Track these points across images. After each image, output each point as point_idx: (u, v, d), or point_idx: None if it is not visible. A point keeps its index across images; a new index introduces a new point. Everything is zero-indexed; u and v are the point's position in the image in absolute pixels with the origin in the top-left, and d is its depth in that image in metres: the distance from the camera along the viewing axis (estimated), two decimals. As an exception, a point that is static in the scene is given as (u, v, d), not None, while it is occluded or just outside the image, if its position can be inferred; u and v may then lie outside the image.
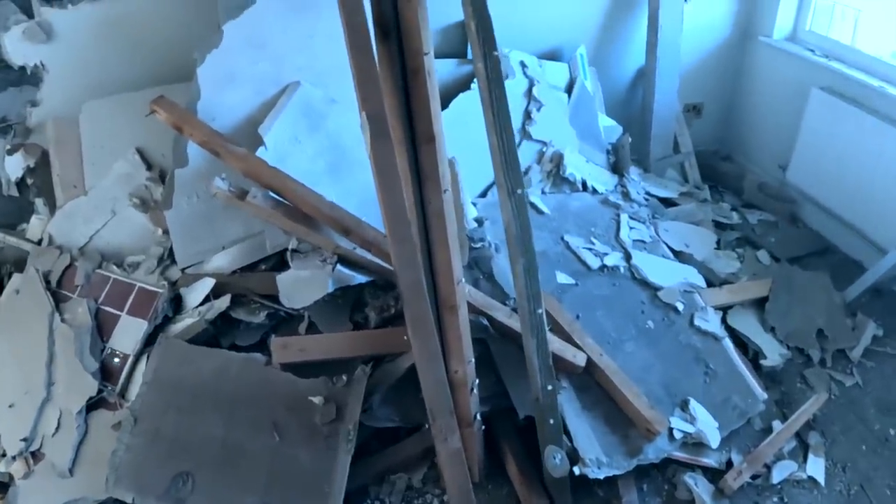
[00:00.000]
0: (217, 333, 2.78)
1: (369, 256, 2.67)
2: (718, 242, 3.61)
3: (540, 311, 2.30)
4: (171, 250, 2.96)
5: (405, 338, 2.38)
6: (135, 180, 3.08)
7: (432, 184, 2.26)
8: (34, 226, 3.16)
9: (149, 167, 3.10)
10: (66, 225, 3.05)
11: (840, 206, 3.78)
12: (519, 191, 2.20)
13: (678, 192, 3.84)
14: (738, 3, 4.21)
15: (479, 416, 2.47)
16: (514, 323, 2.61)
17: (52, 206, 3.13)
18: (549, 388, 2.37)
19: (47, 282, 2.94)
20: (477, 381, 2.42)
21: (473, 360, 2.39)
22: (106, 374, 2.71)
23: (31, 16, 2.93)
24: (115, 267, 2.97)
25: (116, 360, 2.72)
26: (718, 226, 3.79)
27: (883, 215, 3.51)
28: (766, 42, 4.18)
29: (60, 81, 3.07)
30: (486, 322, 2.62)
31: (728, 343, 2.99)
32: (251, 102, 2.94)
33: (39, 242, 3.11)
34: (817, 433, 2.86)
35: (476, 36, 2.18)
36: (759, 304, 3.31)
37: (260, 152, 2.80)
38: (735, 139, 4.54)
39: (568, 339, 2.69)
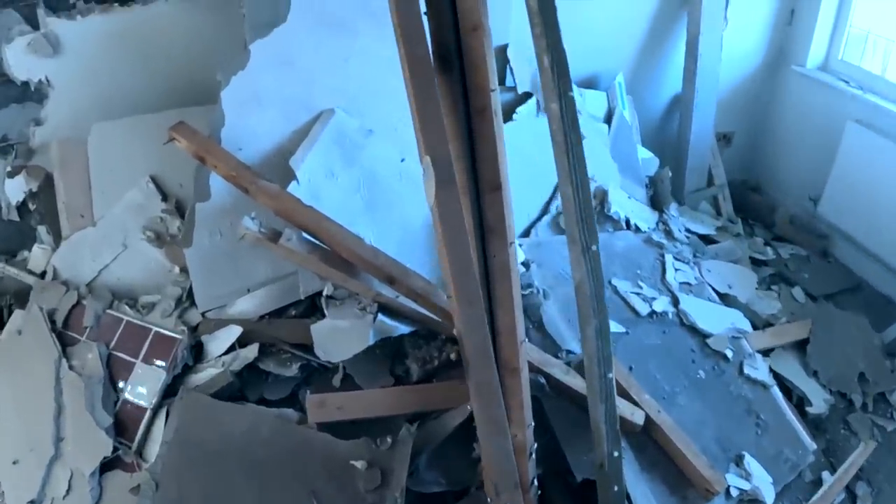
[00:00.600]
0: (243, 386, 2.55)
1: (413, 304, 2.46)
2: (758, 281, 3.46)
3: (610, 375, 2.11)
4: (189, 291, 2.72)
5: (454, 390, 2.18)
6: (148, 211, 2.84)
7: (497, 237, 2.07)
8: (37, 256, 2.92)
9: (164, 197, 2.87)
10: (73, 257, 2.82)
11: (872, 242, 3.67)
12: (594, 247, 2.01)
13: (714, 228, 3.70)
14: (773, 30, 4.09)
15: (535, 481, 2.28)
16: (571, 380, 2.43)
17: (57, 235, 2.89)
18: (616, 454, 2.18)
19: (52, 321, 2.69)
20: (535, 445, 2.23)
21: (533, 423, 2.20)
22: (120, 428, 2.48)
23: (36, 27, 2.68)
24: (127, 308, 2.74)
25: (131, 412, 2.48)
26: (753, 262, 3.65)
27: None
28: (799, 71, 4.06)
29: (67, 99, 2.83)
30: (542, 380, 2.43)
31: (777, 391, 2.88)
32: (281, 130, 2.72)
33: (42, 275, 2.86)
34: (864, 483, 2.77)
35: (550, 73, 1.97)
36: (800, 345, 3.20)
37: (291, 187, 2.58)
38: (765, 169, 4.41)
39: (623, 393, 2.52)
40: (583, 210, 2.00)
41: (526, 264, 2.84)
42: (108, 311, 2.72)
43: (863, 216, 3.69)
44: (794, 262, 3.79)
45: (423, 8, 2.12)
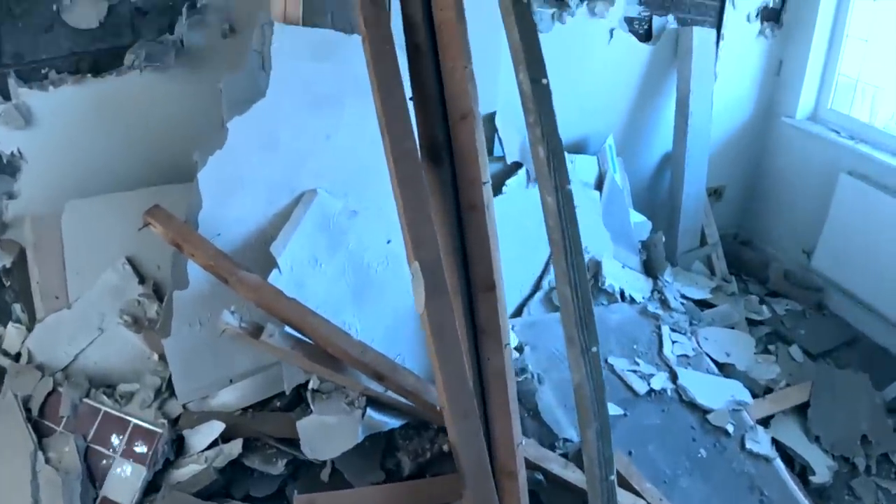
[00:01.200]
0: (228, 483, 2.43)
1: (403, 399, 2.36)
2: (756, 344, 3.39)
3: (612, 477, 2.02)
4: (169, 380, 2.60)
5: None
6: (125, 294, 2.71)
7: (491, 338, 1.98)
8: (11, 335, 2.78)
9: (142, 280, 2.74)
10: (48, 341, 2.69)
11: (868, 294, 3.61)
12: (594, 348, 1.92)
13: (709, 289, 3.63)
14: (761, 81, 4.06)
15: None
16: (570, 475, 2.34)
17: (31, 314, 2.75)
18: (618, 554, 2.09)
19: (27, 409, 2.57)
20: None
21: (531, 524, 2.10)
22: (98, 529, 2.35)
23: (7, 97, 2.55)
24: (105, 397, 2.62)
25: (111, 511, 2.37)
26: (750, 322, 3.58)
27: None
28: (789, 122, 4.03)
29: (40, 173, 2.69)
30: (540, 476, 2.34)
31: (779, 464, 2.80)
32: (262, 213, 2.60)
33: (17, 357, 2.73)
34: (869, 549, 2.65)
35: (546, 165, 1.89)
36: (801, 409, 3.13)
37: (273, 276, 2.47)
38: (757, 223, 4.36)
39: (624, 483, 2.43)
40: (582, 311, 1.91)
41: (519, 348, 2.76)
42: (86, 399, 2.60)
43: (857, 268, 3.64)
44: (790, 318, 3.72)
45: (408, 93, 2.07)
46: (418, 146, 1.99)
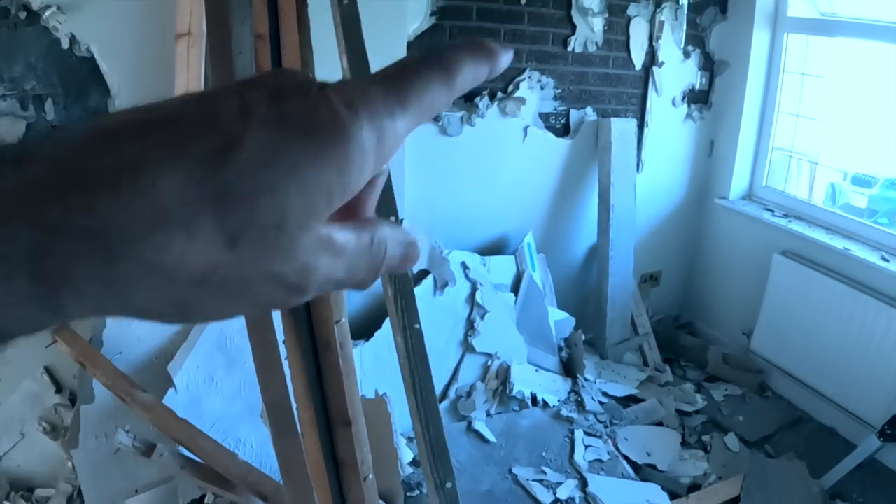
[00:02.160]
0: None
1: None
2: (683, 437, 3.32)
3: None
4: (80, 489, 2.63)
5: None
6: (44, 402, 2.77)
7: (350, 471, 1.97)
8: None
9: (59, 389, 2.79)
10: (-27, 442, 2.73)
11: (809, 374, 3.57)
12: (449, 484, 1.91)
13: (638, 382, 3.57)
14: (693, 164, 4.08)
15: None
16: None
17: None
18: None
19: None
20: None
21: None
22: None
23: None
24: (23, 501, 2.66)
25: None
26: (682, 413, 3.51)
27: (854, 383, 3.33)
28: (723, 204, 4.03)
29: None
30: None
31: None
32: (162, 333, 2.64)
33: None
34: None
35: (394, 303, 1.91)
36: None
37: (169, 395, 2.50)
38: (696, 305, 4.34)
39: None
40: (434, 448, 1.92)
41: (417, 461, 2.73)
42: (5, 502, 2.64)
43: (797, 348, 3.60)
44: (728, 404, 3.66)
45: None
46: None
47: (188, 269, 0.27)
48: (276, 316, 2.01)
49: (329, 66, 2.10)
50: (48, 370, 2.80)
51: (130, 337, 2.60)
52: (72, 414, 2.74)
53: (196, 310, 0.29)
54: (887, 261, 3.28)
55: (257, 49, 2.24)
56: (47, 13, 2.33)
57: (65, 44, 2.41)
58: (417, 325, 1.88)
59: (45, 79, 2.44)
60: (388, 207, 1.92)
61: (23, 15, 2.32)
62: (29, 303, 0.25)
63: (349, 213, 0.33)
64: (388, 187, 1.93)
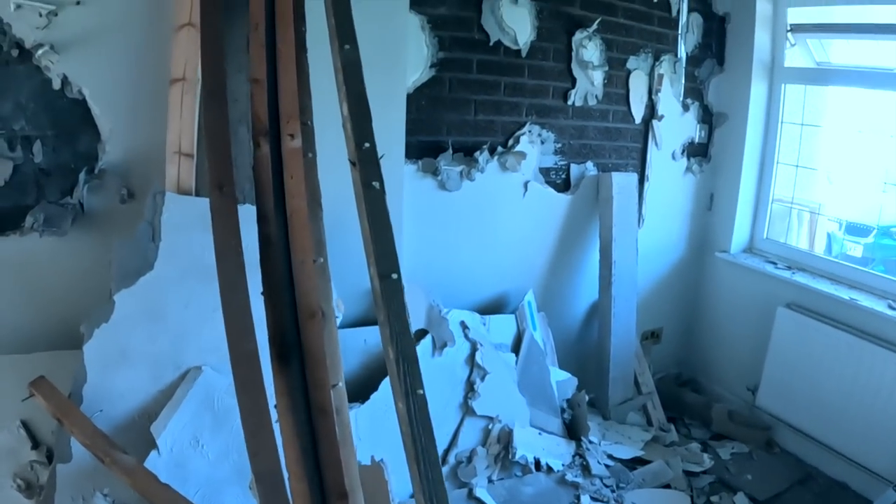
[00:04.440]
0: None
1: None
2: (692, 499, 3.18)
3: None
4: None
5: None
6: (20, 457, 2.56)
7: (348, 549, 1.82)
8: None
9: (35, 444, 2.59)
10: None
11: (817, 429, 3.46)
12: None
13: (643, 443, 3.43)
14: (693, 217, 4.02)
15: None
16: None
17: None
18: None
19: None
20: None
21: None
22: None
23: None
24: (-7, 563, 2.45)
25: None
26: (689, 474, 3.37)
27: (864, 435, 3.22)
28: (724, 258, 3.97)
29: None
30: None
31: None
32: (146, 389, 2.48)
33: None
34: None
35: (396, 367, 1.78)
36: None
37: (152, 457, 2.35)
38: (699, 361, 4.23)
39: None
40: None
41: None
42: None
43: (804, 402, 3.50)
44: (735, 462, 3.53)
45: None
46: (269, 344, 1.88)
47: None
48: (268, 377, 1.87)
49: (330, 113, 2.01)
50: (25, 424, 2.62)
51: (112, 393, 2.43)
52: (48, 472, 2.57)
53: None
54: (895, 309, 3.21)
55: (253, 94, 2.16)
56: (40, 52, 2.25)
57: (56, 84, 2.33)
58: (421, 391, 1.74)
59: (35, 119, 2.36)
60: (387, 263, 1.80)
61: (15, 52, 2.24)
62: None
63: None
64: (388, 242, 1.82)
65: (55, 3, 2.23)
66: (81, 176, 2.51)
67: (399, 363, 1.74)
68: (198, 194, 2.53)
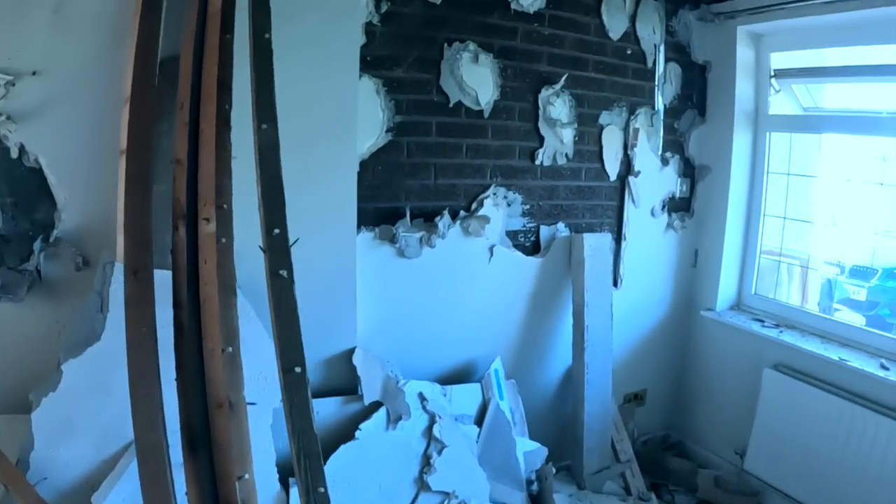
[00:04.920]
0: None
1: None
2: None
3: None
4: None
5: None
6: None
7: None
8: None
9: None
10: None
11: (808, 495, 3.30)
12: None
13: (618, 518, 3.27)
14: (677, 275, 3.90)
15: None
16: None
17: None
18: None
19: None
20: None
21: None
22: None
23: None
24: None
25: None
26: (673, 548, 3.21)
27: (856, 502, 3.08)
28: (709, 317, 3.83)
29: None
30: None
31: None
32: (90, 459, 2.43)
33: None
34: None
35: (297, 465, 1.69)
36: None
37: (94, 528, 2.27)
38: (685, 424, 4.08)
39: None
40: None
41: None
42: None
43: (794, 467, 3.34)
44: (724, 533, 3.36)
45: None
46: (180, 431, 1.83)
47: None
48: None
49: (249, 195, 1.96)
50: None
51: (58, 461, 2.39)
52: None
53: None
54: (887, 368, 3.07)
55: (175, 176, 2.12)
56: (-2, 121, 2.25)
57: (14, 153, 2.34)
58: (322, 489, 1.66)
59: (-7, 187, 2.36)
60: (292, 356, 1.73)
61: (-28, 122, 2.25)
62: None
63: None
64: (293, 334, 1.75)
65: (13, 74, 2.25)
66: (37, 244, 2.51)
67: (300, 459, 1.68)
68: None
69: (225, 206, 2.01)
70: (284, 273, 1.79)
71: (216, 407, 1.82)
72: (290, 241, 1.85)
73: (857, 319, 3.68)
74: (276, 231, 1.83)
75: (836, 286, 4.49)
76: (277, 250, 1.82)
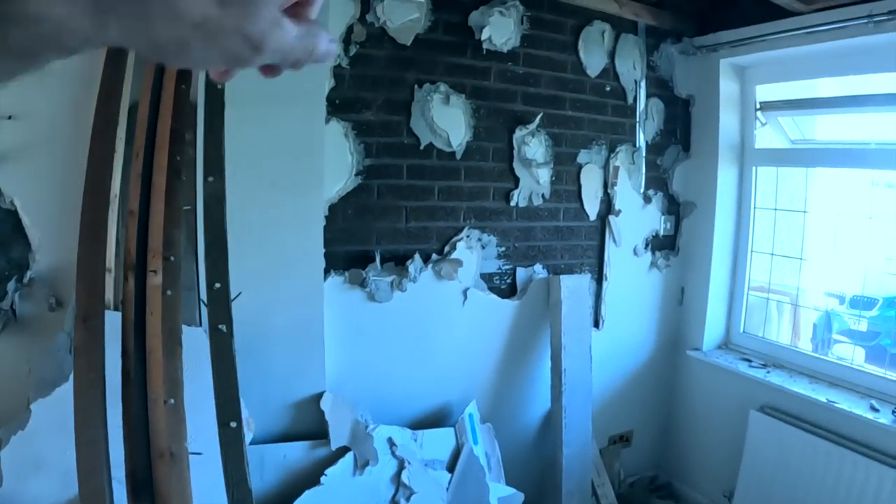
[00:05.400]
0: None
1: None
2: None
3: None
4: None
5: None
6: None
7: None
8: None
9: None
10: None
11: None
12: None
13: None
14: (662, 314, 3.84)
15: None
16: None
17: None
18: None
19: None
20: None
21: None
22: None
23: None
24: None
25: None
26: None
27: None
28: (696, 356, 3.76)
29: None
30: None
31: None
32: (56, 497, 2.43)
33: None
34: None
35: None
36: None
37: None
38: (673, 465, 3.99)
39: None
40: None
41: None
42: None
43: (783, 510, 3.22)
44: (712, 580, 3.27)
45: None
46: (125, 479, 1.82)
47: (191, 14, 0.41)
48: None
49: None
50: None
51: (26, 498, 2.38)
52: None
53: (188, 50, 0.43)
54: (877, 410, 2.99)
55: (128, 227, 2.12)
56: (-27, 164, 2.28)
57: None
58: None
59: (-31, 228, 2.38)
60: (228, 411, 1.72)
61: (-51, 164, 2.28)
62: (84, 18, 0.39)
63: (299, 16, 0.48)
64: (230, 388, 1.74)
65: (-11, 118, 2.28)
66: (12, 283, 2.53)
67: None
68: (116, 309, 2.51)
69: (172, 258, 2.00)
70: (223, 328, 1.78)
71: (158, 456, 1.81)
72: (233, 295, 1.84)
73: (857, 351, 3.60)
74: (217, 285, 1.82)
75: (836, 317, 4.42)
76: (218, 304, 1.81)
